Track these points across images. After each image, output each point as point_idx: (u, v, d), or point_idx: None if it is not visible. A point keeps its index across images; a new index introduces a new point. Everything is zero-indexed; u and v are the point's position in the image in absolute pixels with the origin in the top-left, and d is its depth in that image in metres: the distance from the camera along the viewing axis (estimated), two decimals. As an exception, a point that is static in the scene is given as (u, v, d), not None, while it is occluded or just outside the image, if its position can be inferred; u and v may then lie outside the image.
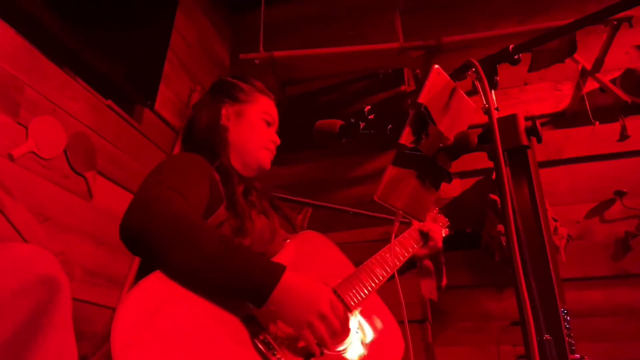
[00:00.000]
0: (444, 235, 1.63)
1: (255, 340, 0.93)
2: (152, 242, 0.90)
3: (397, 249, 1.40)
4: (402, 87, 2.83)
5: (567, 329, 0.73)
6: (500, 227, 2.37)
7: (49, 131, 1.68)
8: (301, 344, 0.98)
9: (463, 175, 2.69)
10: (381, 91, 2.86)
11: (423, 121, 0.86)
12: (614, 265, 2.39)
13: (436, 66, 0.88)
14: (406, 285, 1.33)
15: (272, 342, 0.95)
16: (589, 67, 2.49)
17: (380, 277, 1.26)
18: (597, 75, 2.51)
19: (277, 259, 1.12)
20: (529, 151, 0.82)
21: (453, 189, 2.70)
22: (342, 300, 1.14)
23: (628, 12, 2.16)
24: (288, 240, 1.20)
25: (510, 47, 0.85)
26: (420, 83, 2.74)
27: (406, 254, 1.41)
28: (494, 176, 2.55)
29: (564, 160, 2.60)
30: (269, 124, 1.39)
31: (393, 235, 0.94)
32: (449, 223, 1.72)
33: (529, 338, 0.67)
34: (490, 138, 0.79)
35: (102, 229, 1.88)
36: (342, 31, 2.92)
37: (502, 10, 2.95)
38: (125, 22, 2.19)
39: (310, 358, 0.98)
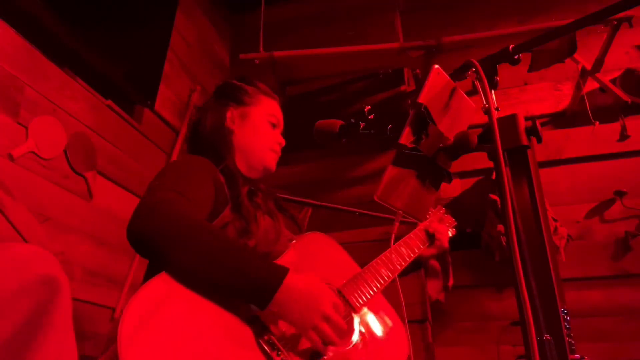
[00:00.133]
0: (450, 235, 1.63)
1: (260, 341, 0.94)
2: (157, 243, 0.92)
3: (403, 250, 1.39)
4: (402, 87, 2.83)
5: (567, 329, 0.73)
6: (500, 227, 2.37)
7: (49, 131, 1.68)
8: (306, 345, 0.98)
9: (463, 175, 2.69)
10: (381, 91, 2.86)
11: (423, 121, 0.86)
12: (614, 265, 2.39)
13: (436, 66, 0.88)
14: (406, 285, 1.33)
15: (276, 342, 0.95)
16: (589, 67, 2.49)
17: (386, 278, 1.26)
18: (597, 75, 2.51)
19: (281, 259, 1.13)
20: (529, 151, 0.82)
21: (453, 189, 2.70)
22: (347, 301, 1.14)
23: (628, 12, 2.16)
24: (293, 241, 1.21)
25: (510, 47, 0.86)
26: (420, 83, 2.74)
27: (412, 255, 1.41)
28: (494, 176, 2.55)
29: (564, 160, 2.60)
30: (273, 125, 1.40)
31: (393, 235, 0.94)
32: (455, 223, 1.71)
33: (529, 338, 0.67)
34: (490, 138, 0.79)
35: (102, 229, 1.88)
36: (342, 31, 2.92)
37: (502, 10, 2.95)
38: (125, 22, 2.18)
39: (315, 359, 0.98)
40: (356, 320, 1.15)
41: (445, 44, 2.37)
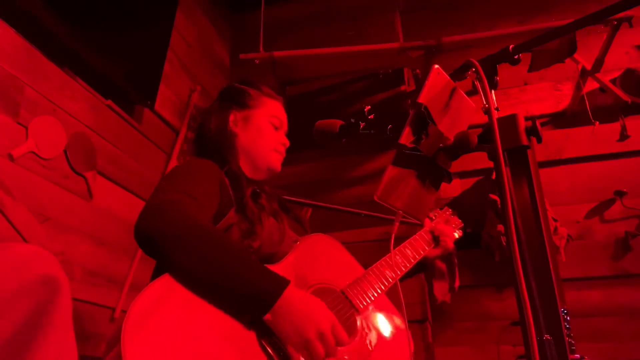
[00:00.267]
0: (457, 237, 1.63)
1: (263, 342, 0.94)
2: (161, 243, 0.93)
3: (408, 251, 1.39)
4: (402, 87, 2.83)
5: (567, 329, 0.73)
6: (500, 227, 2.37)
7: (49, 131, 1.68)
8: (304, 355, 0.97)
9: (463, 175, 2.69)
10: (381, 91, 2.86)
11: (423, 121, 0.86)
12: (614, 265, 2.39)
13: (436, 66, 0.88)
14: (406, 285, 1.33)
15: (280, 344, 0.95)
16: (589, 67, 2.49)
17: (390, 279, 1.26)
18: (597, 75, 2.51)
19: (285, 260, 1.13)
20: (529, 151, 0.82)
21: (453, 189, 2.70)
22: (350, 302, 1.14)
23: (628, 12, 2.15)
24: (297, 242, 1.21)
25: (510, 47, 0.86)
26: (420, 83, 2.74)
27: (417, 256, 1.41)
28: (494, 176, 2.55)
29: (564, 160, 2.60)
30: (276, 127, 1.40)
31: (393, 236, 0.94)
32: (462, 225, 1.70)
33: (529, 338, 0.67)
34: (490, 138, 0.79)
35: (102, 229, 1.88)
36: (342, 31, 2.92)
37: (502, 10, 2.95)
38: (125, 22, 2.18)
39: None
40: (359, 321, 1.15)
41: (445, 44, 2.37)
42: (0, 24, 1.55)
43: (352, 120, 1.10)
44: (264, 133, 1.37)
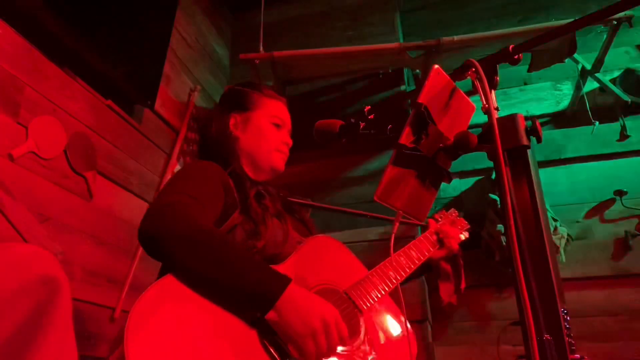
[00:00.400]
0: (463, 239, 1.62)
1: (265, 342, 0.94)
2: (164, 244, 0.94)
3: (413, 253, 1.39)
4: (402, 87, 2.83)
5: (567, 329, 0.72)
6: (501, 227, 2.37)
7: (49, 131, 1.68)
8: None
9: (463, 175, 2.69)
10: (381, 91, 2.86)
11: (423, 121, 0.86)
12: (614, 265, 2.39)
13: (436, 66, 0.88)
14: (406, 285, 1.33)
15: (282, 343, 0.95)
16: (589, 67, 2.49)
17: (394, 280, 1.26)
18: (597, 75, 2.52)
19: (289, 261, 1.14)
20: (529, 151, 0.82)
21: (453, 189, 2.70)
22: (353, 303, 1.14)
23: (628, 12, 2.16)
24: (301, 243, 1.21)
25: (510, 47, 0.85)
26: (420, 83, 2.74)
27: (422, 258, 1.40)
28: (494, 176, 2.55)
29: (564, 160, 2.60)
30: (278, 126, 1.40)
31: (393, 236, 0.94)
32: (469, 227, 1.69)
33: (529, 338, 0.67)
34: (490, 138, 0.79)
35: (102, 229, 1.88)
36: (342, 31, 2.92)
37: (502, 10, 2.95)
38: (125, 22, 2.18)
39: None
40: (362, 322, 1.15)
41: (445, 44, 2.37)
42: (0, 24, 1.55)
43: (352, 120, 1.11)
44: (265, 134, 1.37)
